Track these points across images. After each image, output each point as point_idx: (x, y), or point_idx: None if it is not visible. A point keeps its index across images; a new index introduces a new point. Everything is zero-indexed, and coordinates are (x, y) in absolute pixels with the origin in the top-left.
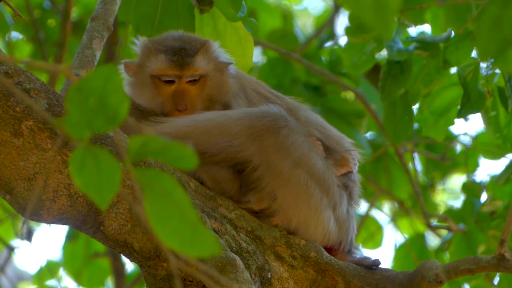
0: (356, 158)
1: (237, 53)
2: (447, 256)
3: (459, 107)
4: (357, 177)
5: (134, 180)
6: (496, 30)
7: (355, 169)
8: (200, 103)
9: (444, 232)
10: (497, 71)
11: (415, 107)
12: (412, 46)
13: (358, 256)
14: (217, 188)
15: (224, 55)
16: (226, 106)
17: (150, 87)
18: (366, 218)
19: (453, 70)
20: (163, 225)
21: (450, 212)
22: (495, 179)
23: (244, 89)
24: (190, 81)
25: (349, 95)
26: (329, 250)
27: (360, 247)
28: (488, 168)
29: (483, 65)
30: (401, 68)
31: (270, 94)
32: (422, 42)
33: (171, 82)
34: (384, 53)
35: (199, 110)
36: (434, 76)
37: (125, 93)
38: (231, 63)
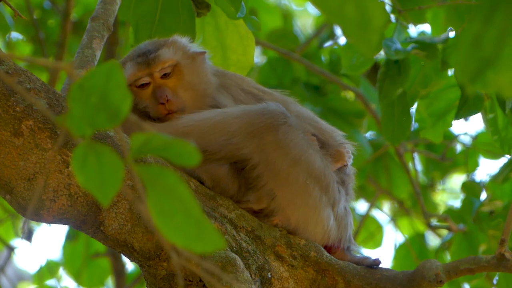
0: (350, 150)
1: (239, 52)
2: (447, 256)
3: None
4: (351, 170)
5: (136, 177)
6: (476, 49)
7: (350, 162)
8: (184, 92)
9: (444, 232)
10: None
11: (414, 108)
12: (410, 46)
13: (358, 256)
14: (217, 188)
15: (194, 46)
16: (214, 103)
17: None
18: (366, 218)
19: (451, 72)
20: (167, 222)
21: (450, 212)
22: (493, 178)
23: (227, 86)
24: (164, 76)
25: (349, 95)
26: (329, 248)
27: (360, 247)
28: (488, 168)
29: None
30: (398, 69)
31: (256, 90)
32: (420, 43)
33: (147, 84)
34: (383, 53)
35: (185, 101)
36: (432, 78)
37: (127, 90)
38: (204, 52)
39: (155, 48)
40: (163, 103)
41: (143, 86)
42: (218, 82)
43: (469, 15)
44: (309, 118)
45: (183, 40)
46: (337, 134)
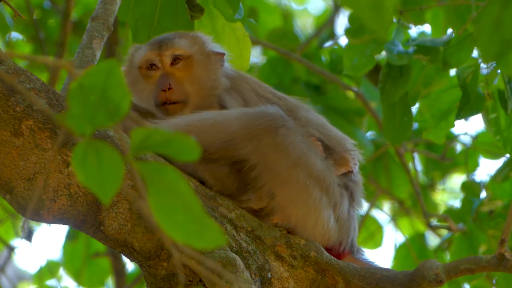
0: (356, 158)
1: (235, 54)
2: (447, 256)
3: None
4: (358, 177)
5: (136, 175)
6: (497, 32)
7: (355, 169)
8: (189, 86)
9: (444, 232)
10: (498, 71)
11: (415, 107)
12: (411, 49)
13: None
14: (218, 185)
15: (215, 46)
16: (221, 104)
17: (140, 81)
18: (366, 218)
19: (453, 72)
20: (168, 219)
21: (450, 212)
22: (493, 177)
23: (240, 89)
24: (174, 64)
25: (349, 94)
26: (331, 251)
27: (360, 247)
28: (488, 168)
29: (483, 65)
30: (400, 70)
31: (271, 95)
32: (422, 47)
33: (156, 69)
34: (384, 53)
35: (189, 94)
36: (434, 78)
37: (126, 87)
38: (223, 54)
39: (173, 36)
40: (164, 90)
41: (151, 68)
42: (230, 85)
43: (469, 15)
44: (318, 124)
45: (205, 37)
46: (347, 142)
